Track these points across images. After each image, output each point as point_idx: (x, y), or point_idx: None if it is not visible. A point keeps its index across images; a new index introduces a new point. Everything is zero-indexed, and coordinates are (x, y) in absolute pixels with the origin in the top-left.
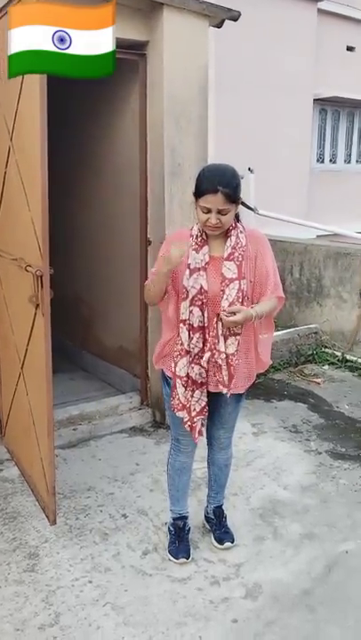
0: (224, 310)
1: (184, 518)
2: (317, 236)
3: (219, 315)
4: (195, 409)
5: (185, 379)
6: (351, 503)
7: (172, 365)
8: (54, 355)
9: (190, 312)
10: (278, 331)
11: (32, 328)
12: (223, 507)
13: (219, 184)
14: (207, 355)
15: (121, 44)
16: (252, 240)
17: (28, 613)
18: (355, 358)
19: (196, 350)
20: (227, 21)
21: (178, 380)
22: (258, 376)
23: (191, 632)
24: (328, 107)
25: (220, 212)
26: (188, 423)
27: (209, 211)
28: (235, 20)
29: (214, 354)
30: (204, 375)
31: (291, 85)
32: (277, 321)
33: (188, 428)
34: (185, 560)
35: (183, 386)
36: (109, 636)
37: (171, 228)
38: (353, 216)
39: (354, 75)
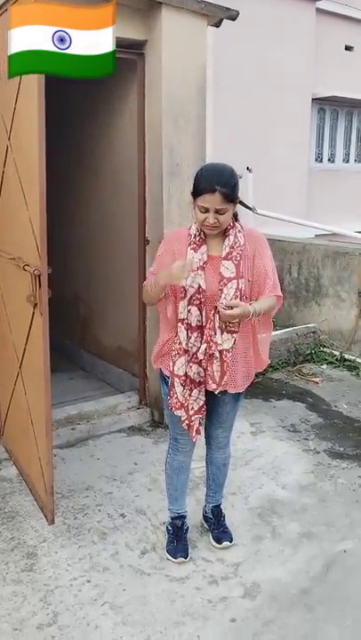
0: (222, 303)
1: (182, 517)
2: (316, 236)
3: (216, 307)
4: (193, 408)
5: (183, 378)
6: (349, 502)
7: (171, 364)
8: (52, 354)
9: (188, 311)
10: (277, 330)
11: (30, 327)
12: (221, 506)
13: (217, 183)
14: (203, 346)
15: (119, 44)
16: (251, 239)
17: (26, 613)
18: (353, 357)
19: (195, 349)
20: (225, 21)
21: (176, 379)
22: (256, 375)
23: (189, 631)
24: (327, 106)
25: (217, 211)
26: (186, 422)
27: (207, 210)
28: (233, 19)
29: (211, 346)
30: (203, 374)
31: (289, 85)
32: (276, 320)
33: (186, 427)
34: (183, 559)
35: (181, 385)
36: (108, 636)
37: (169, 227)
38: (351, 215)
39: (352, 74)
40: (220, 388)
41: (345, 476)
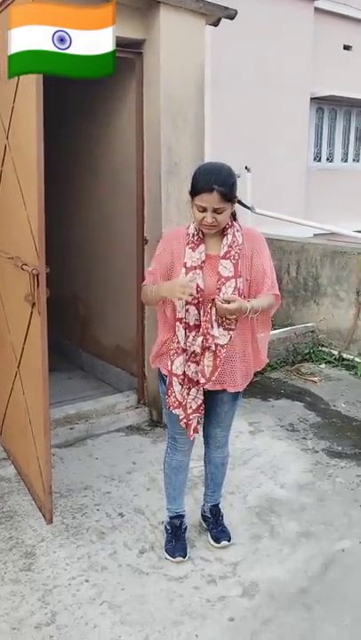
0: (219, 297)
1: (181, 517)
2: (314, 235)
3: (214, 300)
4: (191, 407)
5: (181, 376)
6: (348, 501)
7: (169, 363)
8: (51, 353)
9: (187, 310)
10: (275, 329)
11: (28, 327)
12: (220, 505)
13: (214, 183)
14: (200, 339)
15: (118, 43)
16: (249, 238)
17: (24, 612)
18: (351, 357)
19: (193, 348)
20: (223, 20)
21: (174, 378)
22: (255, 375)
23: (188, 631)
24: (325, 105)
25: (215, 210)
26: (184, 420)
27: (205, 209)
28: (231, 18)
29: (208, 339)
30: None
31: (288, 84)
32: (274, 320)
33: (184, 425)
34: (182, 559)
35: (180, 384)
36: (106, 635)
37: (167, 226)
38: (350, 215)
39: (351, 73)
40: (209, 384)
41: (343, 475)
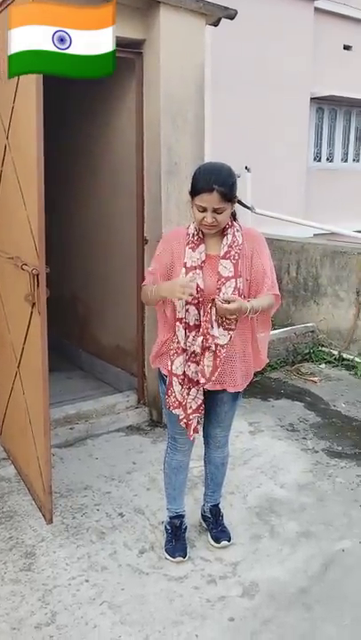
0: (219, 297)
1: (181, 517)
2: (314, 235)
3: (214, 300)
4: (191, 406)
5: (181, 376)
6: (348, 501)
7: (169, 363)
8: (51, 353)
9: (187, 310)
10: (275, 329)
11: (28, 327)
12: (220, 505)
13: (214, 183)
14: (200, 339)
15: (118, 43)
16: (249, 238)
17: (24, 612)
18: (351, 357)
19: (193, 348)
20: (223, 20)
21: (174, 378)
22: (255, 375)
23: (188, 631)
24: (325, 105)
25: (215, 210)
26: (184, 420)
27: (205, 209)
28: (231, 18)
29: (208, 339)
30: None
31: (288, 84)
32: (274, 320)
33: (184, 425)
34: (182, 559)
35: (180, 384)
36: (106, 635)
37: (167, 226)
38: (350, 215)
39: (351, 73)
40: (209, 384)
41: (343, 475)
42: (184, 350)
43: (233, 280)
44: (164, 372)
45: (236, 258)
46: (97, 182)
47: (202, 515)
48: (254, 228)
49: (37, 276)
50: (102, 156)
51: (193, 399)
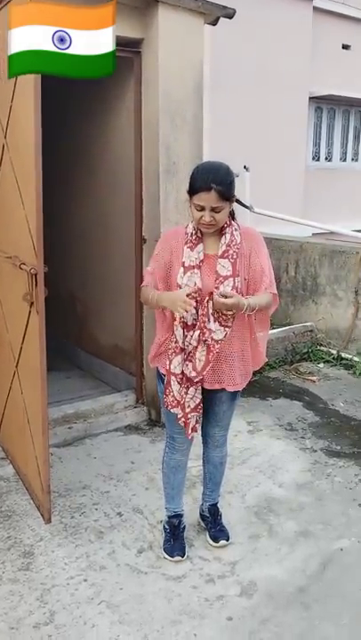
0: (217, 290)
1: (179, 516)
2: (313, 234)
3: (212, 294)
4: (189, 406)
5: (180, 376)
6: (346, 501)
7: (167, 363)
8: (49, 353)
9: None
10: (274, 329)
11: (27, 326)
12: (218, 505)
13: (212, 182)
14: (197, 332)
15: (116, 42)
16: (247, 237)
17: (22, 612)
18: (350, 356)
19: (191, 348)
20: (222, 19)
21: (172, 377)
22: (253, 374)
23: (186, 630)
24: (324, 105)
25: (213, 209)
26: (183, 419)
27: (203, 208)
28: (230, 17)
29: (204, 332)
30: None
31: (286, 83)
32: (273, 319)
33: (182, 424)
34: (180, 558)
35: (178, 383)
36: (104, 635)
37: (166, 226)
38: (348, 214)
39: (349, 73)
40: (208, 384)
41: (342, 474)
42: (182, 349)
43: (231, 279)
44: (163, 371)
45: (235, 257)
46: (95, 181)
47: (200, 514)
48: (253, 227)
49: (35, 275)
50: (100, 156)
51: (191, 398)
